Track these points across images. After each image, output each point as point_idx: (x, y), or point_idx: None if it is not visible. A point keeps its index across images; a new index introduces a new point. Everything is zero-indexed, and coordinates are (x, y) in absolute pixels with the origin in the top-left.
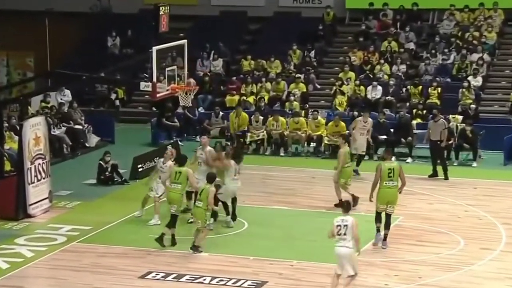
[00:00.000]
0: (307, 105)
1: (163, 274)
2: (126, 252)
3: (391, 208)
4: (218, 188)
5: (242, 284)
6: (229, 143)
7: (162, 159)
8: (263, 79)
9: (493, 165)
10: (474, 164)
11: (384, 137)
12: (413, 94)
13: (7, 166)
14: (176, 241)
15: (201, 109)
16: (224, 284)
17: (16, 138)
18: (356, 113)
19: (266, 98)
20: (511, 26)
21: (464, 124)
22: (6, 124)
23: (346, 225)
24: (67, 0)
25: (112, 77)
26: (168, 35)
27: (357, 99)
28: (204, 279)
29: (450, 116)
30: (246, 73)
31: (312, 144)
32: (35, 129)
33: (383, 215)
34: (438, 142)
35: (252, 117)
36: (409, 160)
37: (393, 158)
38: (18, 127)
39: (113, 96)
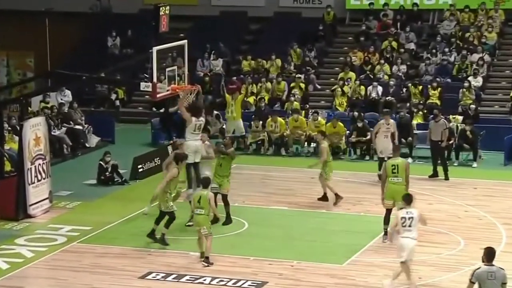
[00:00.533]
0: (307, 105)
1: (163, 275)
2: (126, 252)
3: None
4: (216, 195)
5: (242, 285)
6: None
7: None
8: (263, 79)
9: (493, 166)
10: (474, 165)
11: None
12: (413, 94)
13: (7, 167)
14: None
15: None
16: (224, 285)
17: (16, 138)
18: (356, 113)
19: (266, 98)
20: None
21: (464, 125)
22: (6, 125)
23: (411, 217)
24: (67, 0)
25: (112, 77)
26: (168, 35)
27: (357, 99)
28: (204, 280)
29: (451, 117)
30: (246, 73)
31: (312, 145)
32: (35, 130)
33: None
34: (439, 142)
35: (252, 123)
36: (409, 160)
37: None
38: (18, 128)
39: (113, 96)
